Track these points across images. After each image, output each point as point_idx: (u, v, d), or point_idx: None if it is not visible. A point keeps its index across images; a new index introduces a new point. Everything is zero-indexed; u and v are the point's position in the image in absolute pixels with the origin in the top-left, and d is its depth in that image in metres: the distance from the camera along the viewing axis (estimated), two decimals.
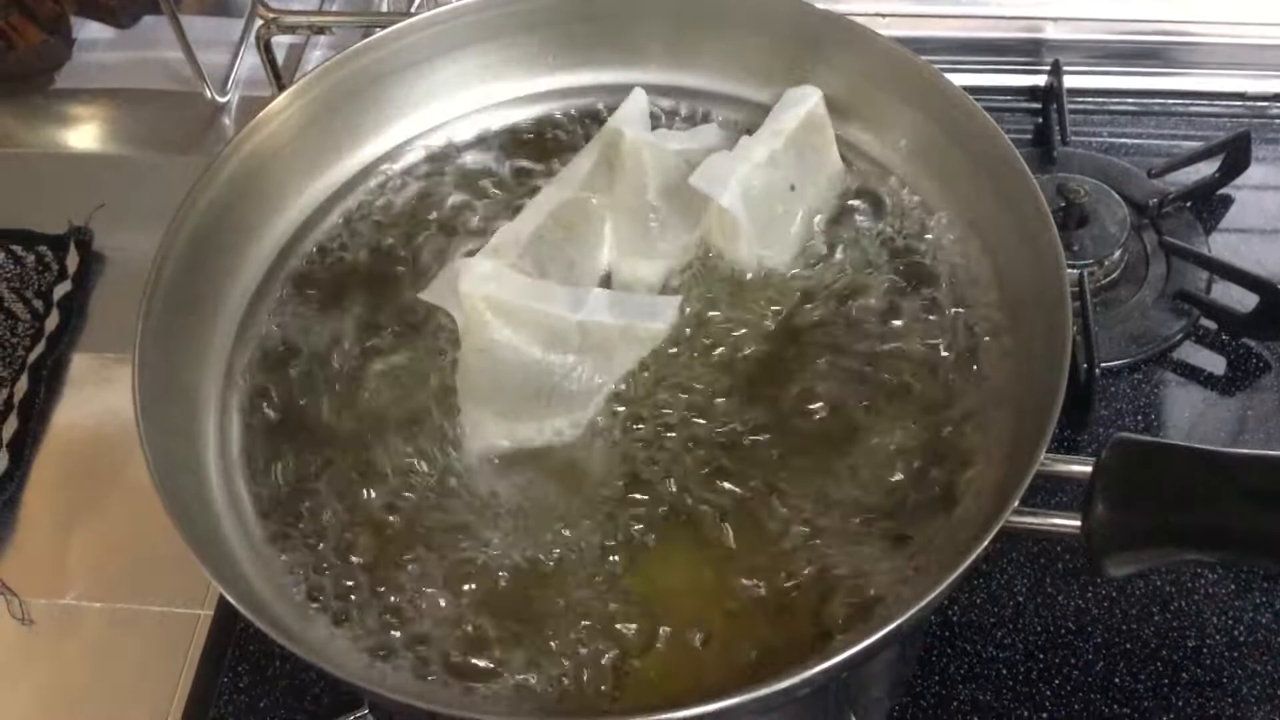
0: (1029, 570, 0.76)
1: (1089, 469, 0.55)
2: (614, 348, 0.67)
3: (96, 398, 0.90)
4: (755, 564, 0.60)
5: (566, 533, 0.62)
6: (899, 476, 0.62)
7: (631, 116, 0.75)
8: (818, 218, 0.73)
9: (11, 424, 0.87)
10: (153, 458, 0.56)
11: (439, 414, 0.66)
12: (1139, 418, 0.83)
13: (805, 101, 0.73)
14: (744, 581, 0.60)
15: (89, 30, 1.14)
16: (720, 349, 0.68)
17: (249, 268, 0.71)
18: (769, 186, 0.71)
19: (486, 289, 0.65)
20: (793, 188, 0.72)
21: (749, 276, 0.71)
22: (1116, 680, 0.72)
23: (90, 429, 0.88)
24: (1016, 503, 0.52)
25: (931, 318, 0.68)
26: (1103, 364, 0.83)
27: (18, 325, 0.92)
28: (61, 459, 0.87)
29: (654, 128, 0.77)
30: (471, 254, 0.71)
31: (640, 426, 0.65)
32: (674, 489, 0.63)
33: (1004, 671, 0.73)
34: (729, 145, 0.73)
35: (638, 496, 0.63)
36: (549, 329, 0.66)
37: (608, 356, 0.67)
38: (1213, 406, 0.84)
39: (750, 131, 0.73)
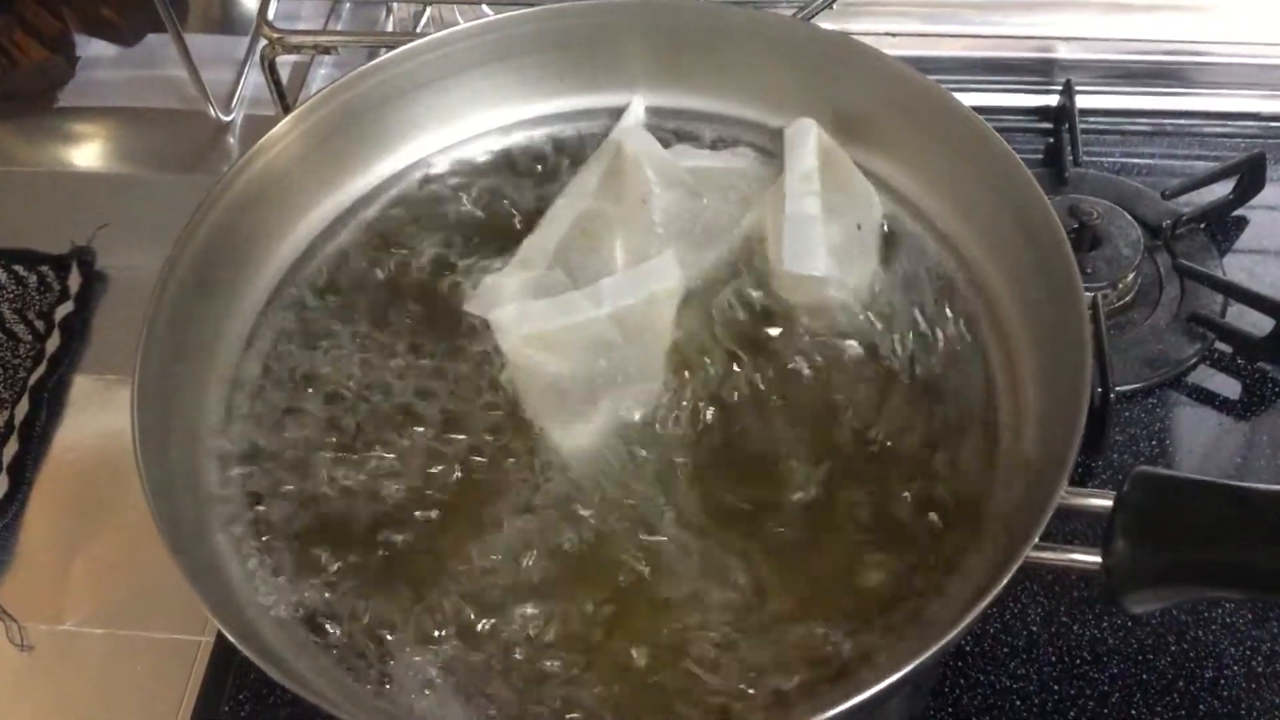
0: (1043, 599, 0.75)
1: (1109, 503, 0.54)
2: (648, 320, 0.67)
3: (98, 420, 0.89)
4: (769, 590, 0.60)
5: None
6: (915, 509, 0.61)
7: (631, 128, 0.75)
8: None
9: (12, 446, 0.86)
10: (151, 490, 0.56)
11: (450, 430, 0.66)
12: (1153, 443, 0.82)
13: (808, 135, 0.72)
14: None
15: (93, 48, 1.13)
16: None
17: (254, 293, 0.71)
18: (845, 237, 0.70)
19: (522, 331, 0.65)
20: (859, 227, 0.71)
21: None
22: (1133, 712, 0.71)
23: (92, 451, 0.87)
24: (1037, 538, 0.51)
25: (947, 343, 0.68)
26: (1116, 388, 0.81)
27: (19, 346, 0.91)
28: (62, 482, 0.86)
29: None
30: (498, 270, 0.71)
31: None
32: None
33: (1018, 703, 0.72)
34: (763, 171, 0.74)
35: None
36: (591, 336, 0.66)
37: (650, 330, 0.67)
38: (1228, 431, 0.83)
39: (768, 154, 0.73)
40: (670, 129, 0.77)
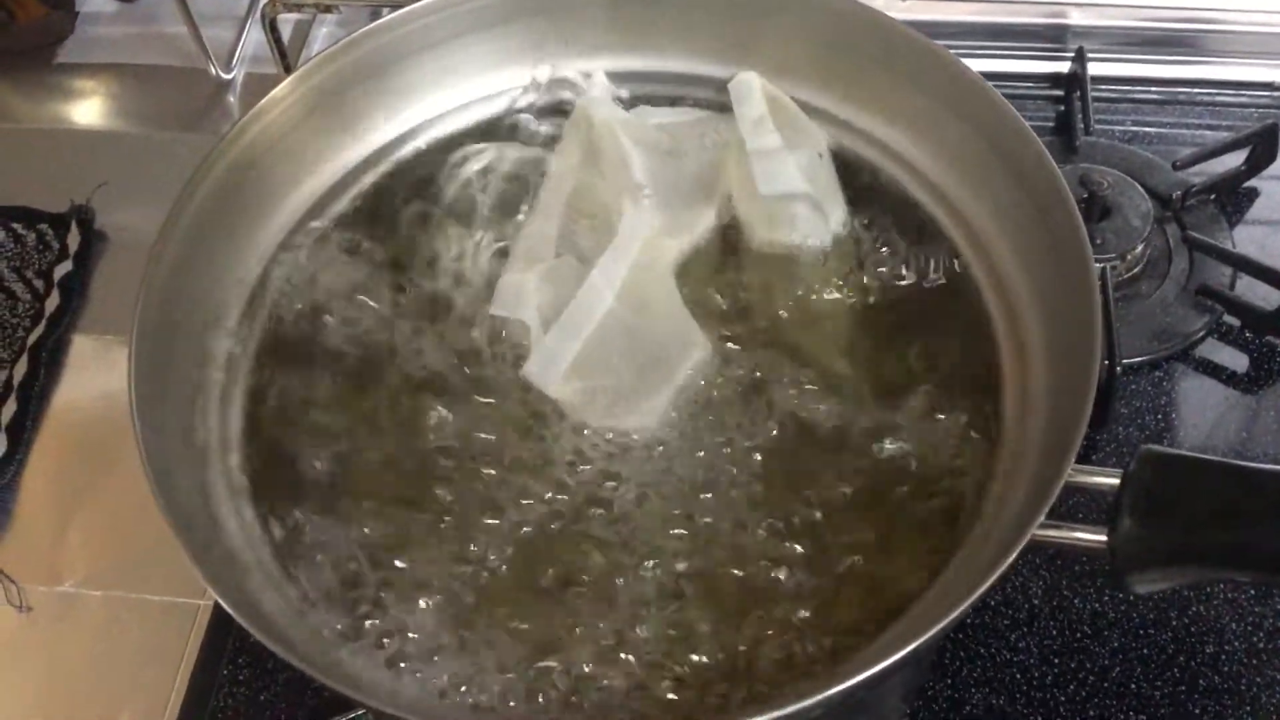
0: (1045, 573, 0.75)
1: (1115, 481, 0.53)
2: (650, 279, 0.67)
3: (97, 380, 0.88)
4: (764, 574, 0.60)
5: None
6: (919, 485, 0.61)
7: (597, 99, 0.74)
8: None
9: (10, 407, 0.85)
10: (148, 456, 0.55)
11: (446, 392, 0.66)
12: (1159, 416, 0.81)
13: (753, 89, 0.72)
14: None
15: (93, 3, 1.12)
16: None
17: (254, 255, 0.70)
18: (810, 161, 0.71)
19: (558, 373, 0.65)
20: (821, 155, 0.72)
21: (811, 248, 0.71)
22: (1133, 686, 0.71)
23: (91, 412, 0.87)
24: (1042, 517, 0.51)
25: (952, 313, 0.67)
26: (1123, 361, 0.81)
27: (18, 305, 0.91)
28: (61, 443, 0.85)
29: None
30: (502, 252, 0.72)
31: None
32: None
33: (1018, 676, 0.71)
34: (711, 120, 0.74)
35: None
36: (615, 331, 0.65)
37: (657, 286, 0.67)
38: (1234, 406, 0.82)
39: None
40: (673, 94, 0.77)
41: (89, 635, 0.77)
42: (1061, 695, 0.71)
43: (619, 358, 0.66)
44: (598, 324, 0.65)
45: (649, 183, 0.70)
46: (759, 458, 0.64)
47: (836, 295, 0.69)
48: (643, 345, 0.66)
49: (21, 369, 0.87)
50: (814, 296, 0.69)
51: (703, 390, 0.66)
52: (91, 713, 0.74)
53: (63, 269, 0.92)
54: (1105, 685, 0.71)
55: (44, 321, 0.90)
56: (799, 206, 0.69)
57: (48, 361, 0.88)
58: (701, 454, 0.64)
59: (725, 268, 0.71)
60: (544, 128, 0.76)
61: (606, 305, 0.65)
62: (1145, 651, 0.72)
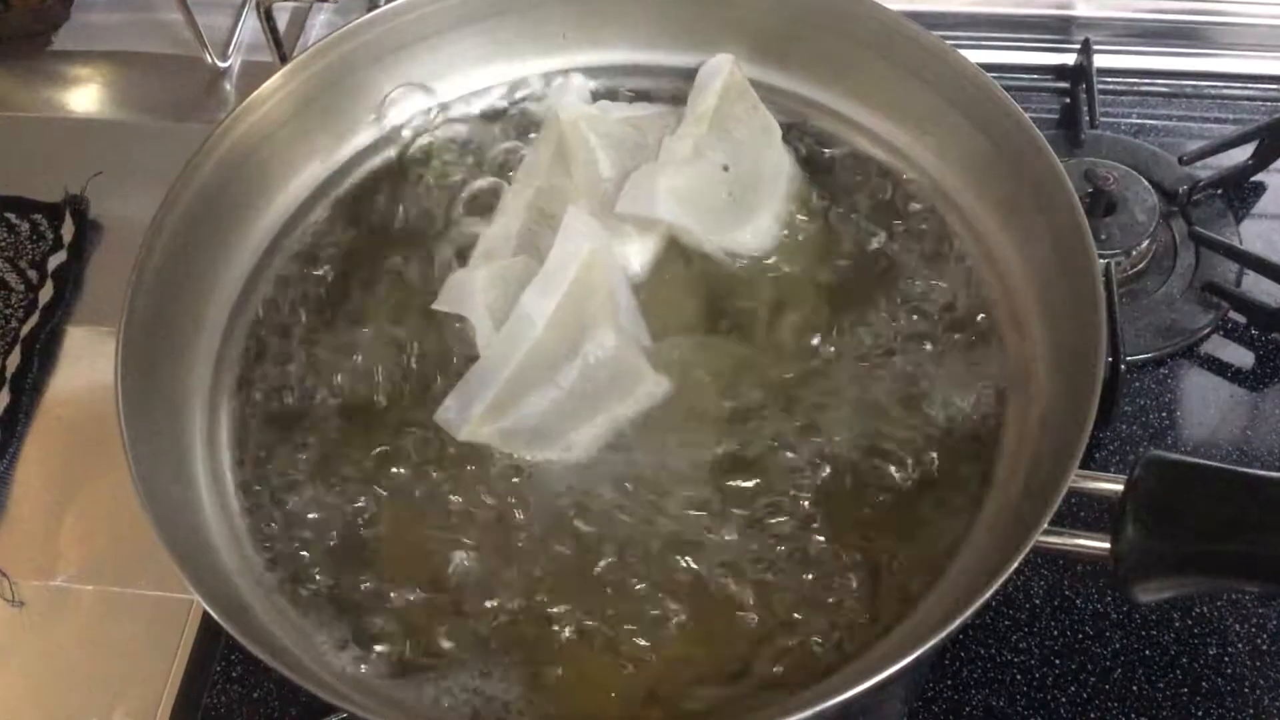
0: (1046, 573, 0.74)
1: (1119, 487, 0.53)
2: (583, 299, 0.64)
3: (91, 372, 0.87)
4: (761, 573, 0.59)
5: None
6: (920, 490, 0.60)
7: (567, 101, 0.73)
8: (784, 188, 0.71)
9: (3, 398, 0.85)
10: (134, 456, 0.55)
11: (440, 398, 0.64)
12: (1163, 414, 0.81)
13: (719, 74, 0.71)
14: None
15: None
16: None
17: (247, 247, 0.69)
18: (702, 178, 0.69)
19: (472, 418, 0.62)
20: (726, 169, 0.69)
21: (731, 267, 0.69)
22: (1134, 688, 0.70)
23: (85, 404, 0.86)
24: (1046, 524, 0.50)
25: (950, 307, 0.66)
26: (1127, 358, 0.80)
27: (11, 296, 0.90)
28: (55, 435, 0.85)
29: None
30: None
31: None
32: None
33: (1019, 677, 0.71)
34: (674, 112, 0.73)
35: None
36: (543, 364, 0.63)
37: (591, 302, 0.64)
38: (1239, 403, 0.82)
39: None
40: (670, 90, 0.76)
41: (82, 630, 0.76)
42: (1062, 697, 0.70)
43: (543, 392, 0.63)
44: (520, 361, 0.61)
45: (617, 179, 0.69)
46: (737, 473, 0.63)
47: (816, 296, 0.68)
48: (573, 377, 0.63)
49: (15, 360, 0.86)
50: (792, 299, 0.68)
51: (660, 415, 0.64)
52: (85, 708, 0.73)
53: (57, 259, 0.92)
54: (1107, 687, 0.70)
55: (37, 312, 0.89)
56: (691, 228, 0.68)
57: (41, 353, 0.87)
58: (667, 470, 0.63)
59: (687, 272, 0.69)
60: (528, 124, 0.75)
61: (534, 339, 0.62)
62: (1147, 653, 0.71)
